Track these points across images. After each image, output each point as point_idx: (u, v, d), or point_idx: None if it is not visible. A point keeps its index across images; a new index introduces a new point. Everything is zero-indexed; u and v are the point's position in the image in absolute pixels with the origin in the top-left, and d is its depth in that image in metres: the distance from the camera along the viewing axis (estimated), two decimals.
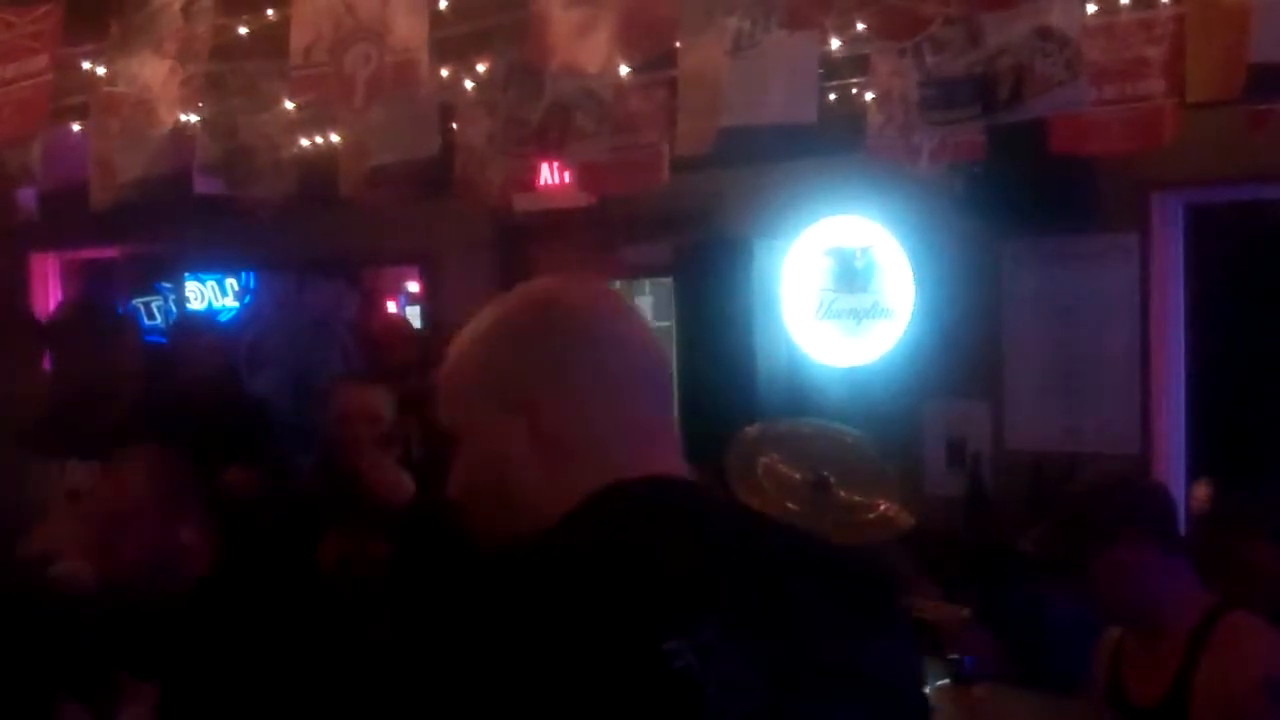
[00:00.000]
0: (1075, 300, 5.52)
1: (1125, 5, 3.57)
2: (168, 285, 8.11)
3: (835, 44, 3.75)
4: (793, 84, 3.38)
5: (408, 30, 2.85)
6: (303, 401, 4.85)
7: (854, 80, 4.19)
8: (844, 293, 5.92)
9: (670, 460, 1.40)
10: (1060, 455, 5.30)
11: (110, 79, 3.31)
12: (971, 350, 5.66)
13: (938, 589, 3.80)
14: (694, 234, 6.04)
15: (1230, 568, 3.17)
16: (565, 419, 1.37)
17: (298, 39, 2.99)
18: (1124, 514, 2.74)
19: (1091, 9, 3.54)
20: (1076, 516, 2.85)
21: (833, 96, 4.28)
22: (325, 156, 4.71)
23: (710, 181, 5.60)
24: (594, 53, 2.91)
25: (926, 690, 2.12)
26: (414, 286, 8.04)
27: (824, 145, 4.32)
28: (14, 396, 3.90)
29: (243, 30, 3.51)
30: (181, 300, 7.92)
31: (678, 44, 3.25)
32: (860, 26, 3.54)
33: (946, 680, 3.11)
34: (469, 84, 4.13)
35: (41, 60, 3.07)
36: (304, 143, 4.78)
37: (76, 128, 4.15)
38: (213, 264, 7.87)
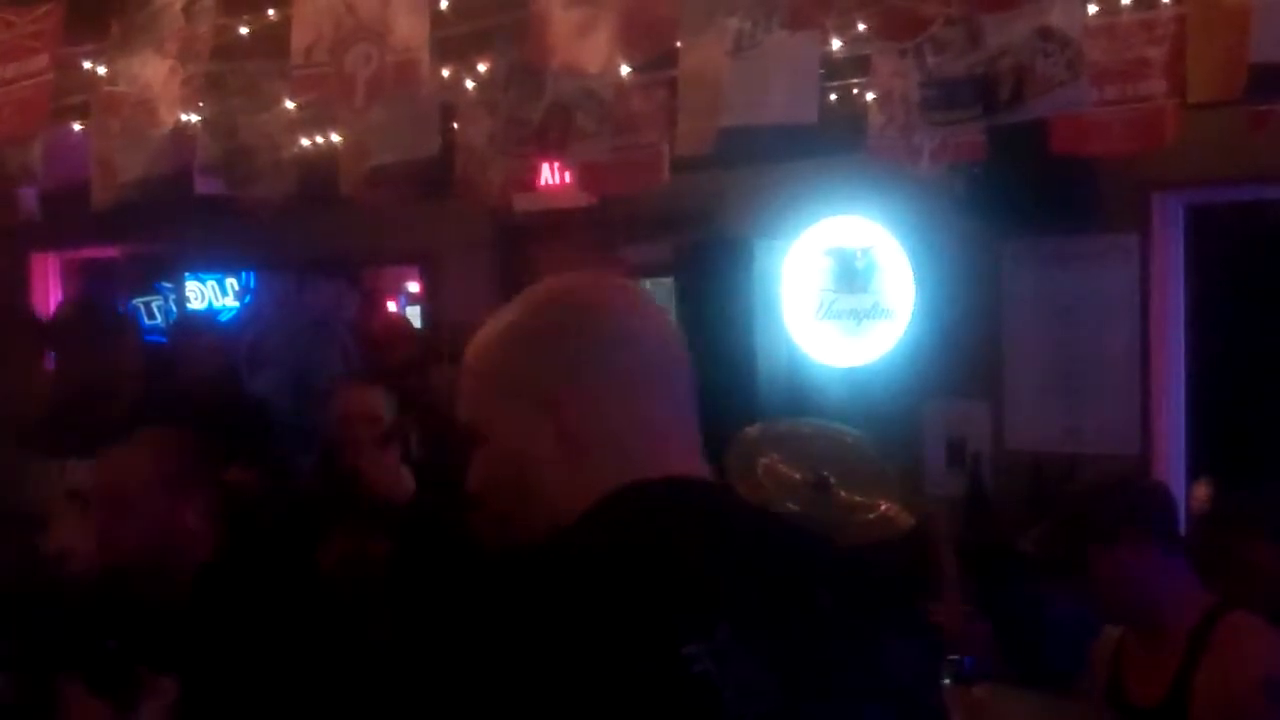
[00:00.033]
0: (1075, 300, 5.52)
1: (1126, 6, 3.57)
2: (168, 285, 8.11)
3: (836, 44, 3.75)
4: (794, 84, 3.38)
5: (408, 30, 2.85)
6: (303, 401, 4.85)
7: (855, 80, 4.19)
8: (844, 293, 5.92)
9: (689, 459, 1.39)
10: (1060, 455, 5.30)
11: (111, 79, 3.31)
12: (971, 350, 5.66)
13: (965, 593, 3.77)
14: (694, 234, 6.04)
15: (1230, 568, 3.17)
16: (585, 417, 1.36)
17: (298, 39, 3.00)
18: (1124, 514, 2.75)
19: (1092, 9, 3.54)
20: (1076, 516, 2.85)
21: (833, 97, 4.28)
22: (325, 156, 4.71)
23: (711, 181, 5.60)
24: (594, 53, 2.91)
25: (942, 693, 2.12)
26: (414, 286, 8.04)
27: (825, 145, 4.33)
28: (14, 396, 3.90)
29: (244, 30, 3.51)
30: (181, 300, 7.92)
31: (678, 44, 3.25)
32: (861, 27, 3.54)
33: (947, 680, 3.11)
34: (470, 84, 4.13)
35: (42, 60, 3.08)
36: (304, 143, 4.78)
37: (77, 127, 4.15)
38: (213, 264, 7.87)
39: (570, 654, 1.16)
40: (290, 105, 4.13)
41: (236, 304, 7.63)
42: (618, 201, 5.43)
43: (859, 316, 5.89)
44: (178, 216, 6.11)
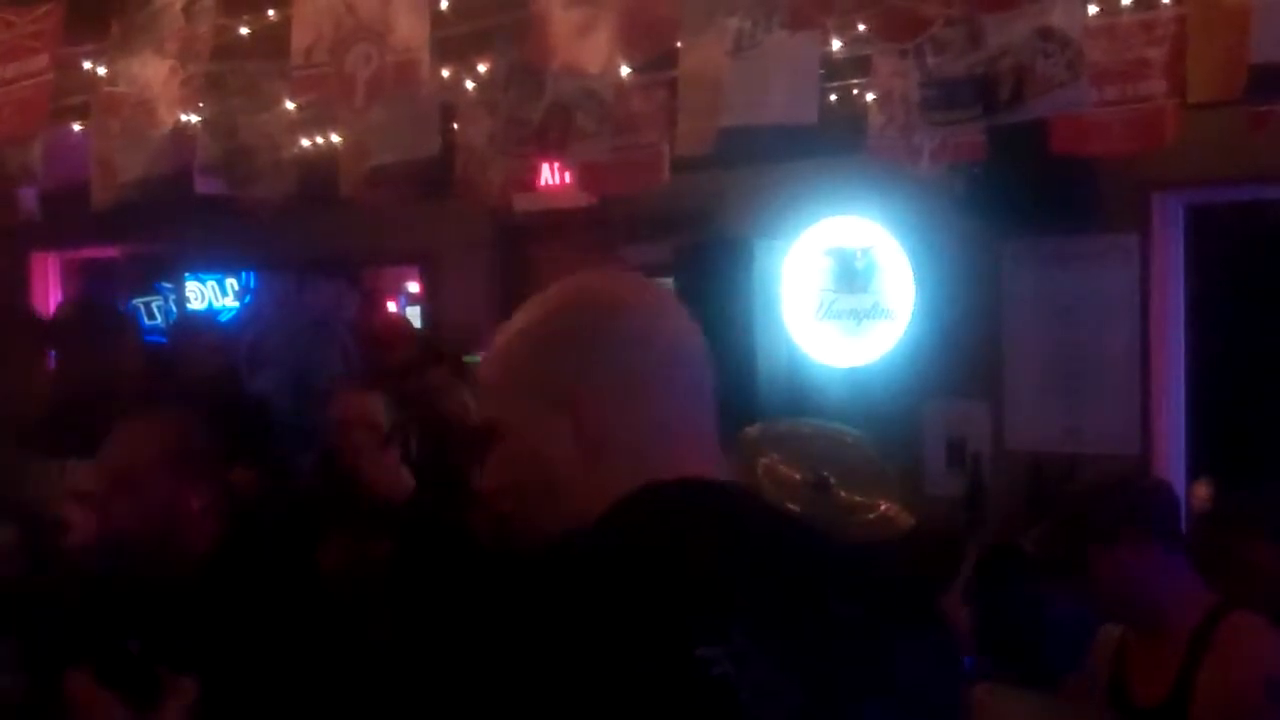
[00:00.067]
0: (1075, 300, 5.52)
1: (1126, 6, 3.57)
2: (168, 285, 8.12)
3: (836, 44, 3.75)
4: (794, 84, 3.38)
5: (408, 30, 2.85)
6: (303, 401, 4.84)
7: (855, 81, 4.19)
8: (844, 293, 5.92)
9: (705, 460, 1.39)
10: (1060, 455, 5.30)
11: (111, 79, 3.31)
12: (971, 350, 5.66)
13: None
14: (694, 234, 6.03)
15: (1230, 568, 3.17)
16: (602, 417, 1.36)
17: (298, 39, 3.00)
18: (1124, 514, 2.74)
19: (1093, 10, 3.54)
20: (1076, 516, 2.85)
21: (834, 97, 4.29)
22: (325, 156, 4.72)
23: (711, 181, 5.60)
24: (595, 53, 2.91)
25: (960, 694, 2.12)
26: (414, 286, 8.04)
27: (825, 146, 4.33)
28: (14, 396, 3.89)
29: (244, 30, 3.51)
30: (181, 300, 7.92)
31: (678, 44, 3.25)
32: (861, 27, 3.54)
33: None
34: (470, 84, 4.13)
35: (42, 60, 3.08)
36: (304, 143, 4.78)
37: (77, 127, 4.16)
38: (213, 264, 7.87)
39: (587, 658, 1.16)
40: (290, 105, 4.13)
41: (236, 304, 7.63)
42: (618, 201, 5.43)
43: (859, 316, 5.89)
44: (178, 216, 6.11)
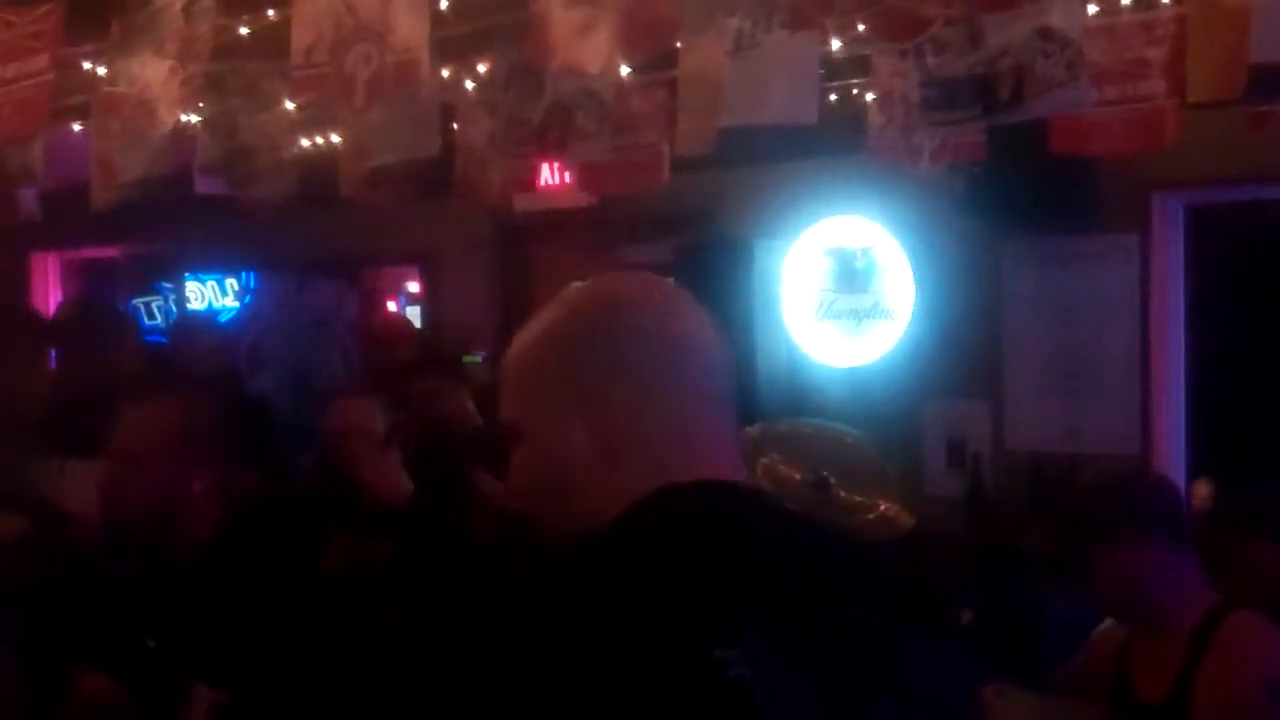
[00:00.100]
0: (1075, 300, 5.52)
1: (1126, 6, 3.57)
2: (168, 285, 8.12)
3: (836, 44, 3.75)
4: (794, 84, 3.38)
5: (408, 30, 2.85)
6: (303, 401, 4.85)
7: (855, 81, 4.19)
8: (844, 293, 5.92)
9: (722, 461, 1.39)
10: (1060, 455, 5.30)
11: (111, 79, 3.31)
12: (971, 350, 5.66)
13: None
14: (694, 234, 6.04)
15: (1230, 568, 3.16)
16: (619, 419, 1.36)
17: (298, 39, 3.00)
18: (1124, 514, 2.74)
19: (1092, 10, 3.55)
20: (1077, 516, 2.85)
21: (834, 97, 4.29)
22: (325, 156, 4.72)
23: (710, 181, 5.60)
24: (595, 53, 2.91)
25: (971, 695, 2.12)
26: (414, 286, 8.04)
27: (825, 146, 4.33)
28: (14, 396, 3.89)
29: (243, 30, 3.51)
30: (181, 300, 7.93)
31: (678, 44, 3.25)
32: (861, 27, 3.54)
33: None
34: (470, 84, 4.13)
35: (42, 60, 3.08)
36: (304, 143, 4.78)
37: (77, 127, 4.16)
38: (213, 264, 7.87)
39: (604, 660, 1.16)
40: (290, 105, 4.13)
41: (236, 304, 7.64)
42: (618, 201, 5.43)
43: (859, 316, 5.89)
44: (178, 216, 6.12)
